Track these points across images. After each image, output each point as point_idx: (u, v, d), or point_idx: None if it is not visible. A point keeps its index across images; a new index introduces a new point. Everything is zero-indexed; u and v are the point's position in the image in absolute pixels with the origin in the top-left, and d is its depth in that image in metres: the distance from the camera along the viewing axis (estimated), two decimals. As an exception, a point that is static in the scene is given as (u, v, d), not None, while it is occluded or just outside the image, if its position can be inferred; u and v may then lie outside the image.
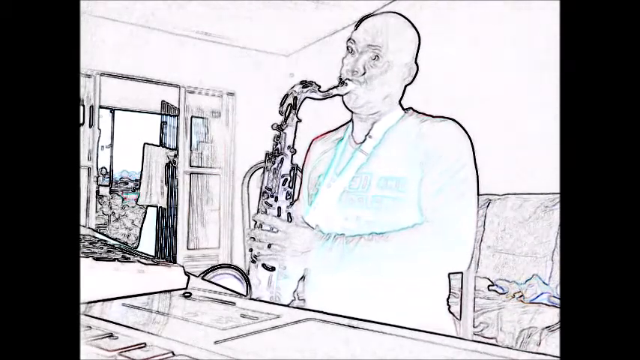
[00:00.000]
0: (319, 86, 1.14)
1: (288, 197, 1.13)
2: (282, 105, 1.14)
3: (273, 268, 1.12)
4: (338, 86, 1.16)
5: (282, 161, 1.13)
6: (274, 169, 1.13)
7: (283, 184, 1.13)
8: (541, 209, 2.60)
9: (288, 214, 1.12)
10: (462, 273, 1.22)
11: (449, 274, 1.16)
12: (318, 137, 1.34)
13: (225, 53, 4.28)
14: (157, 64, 4.02)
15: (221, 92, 4.40)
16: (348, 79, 1.16)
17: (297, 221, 1.13)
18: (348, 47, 1.19)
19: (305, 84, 1.13)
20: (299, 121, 1.13)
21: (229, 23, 3.83)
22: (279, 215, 1.12)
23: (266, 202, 1.12)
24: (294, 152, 1.14)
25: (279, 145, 1.13)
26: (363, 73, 1.15)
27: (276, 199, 1.12)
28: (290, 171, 1.13)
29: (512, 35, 2.80)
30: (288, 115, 1.13)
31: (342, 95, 1.17)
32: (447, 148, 1.12)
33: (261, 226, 1.12)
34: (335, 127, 1.34)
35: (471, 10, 2.99)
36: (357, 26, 1.20)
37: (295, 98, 1.13)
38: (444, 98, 2.28)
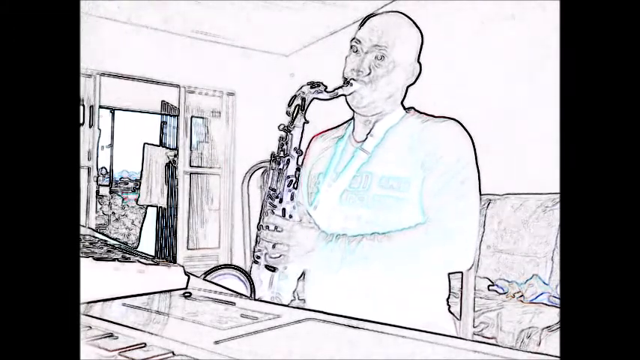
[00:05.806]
0: (326, 87, 1.14)
1: (293, 198, 1.13)
2: (289, 106, 1.13)
3: (275, 269, 1.12)
4: (343, 86, 1.16)
5: (288, 162, 1.12)
6: (279, 169, 1.12)
7: (288, 186, 1.12)
8: (541, 209, 2.60)
9: (290, 214, 1.12)
10: (462, 273, 1.22)
11: (449, 274, 1.16)
12: (317, 135, 1.34)
13: (225, 53, 4.27)
14: (157, 64, 4.01)
15: (221, 92, 4.39)
16: (353, 79, 1.15)
17: (304, 220, 1.13)
18: (352, 47, 1.19)
19: (313, 85, 1.13)
20: (306, 122, 1.13)
21: (229, 23, 3.83)
22: (283, 216, 1.11)
23: (271, 204, 1.12)
24: (301, 154, 1.13)
25: (285, 147, 1.12)
26: (369, 73, 1.15)
27: (281, 201, 1.12)
28: (295, 172, 1.13)
29: (512, 35, 2.80)
30: (296, 116, 1.12)
31: (346, 95, 1.17)
32: (449, 148, 1.12)
33: (267, 227, 1.11)
34: (334, 125, 1.33)
35: (470, 10, 2.99)
36: (361, 25, 1.19)
37: (303, 99, 1.12)
38: (444, 98, 2.28)
